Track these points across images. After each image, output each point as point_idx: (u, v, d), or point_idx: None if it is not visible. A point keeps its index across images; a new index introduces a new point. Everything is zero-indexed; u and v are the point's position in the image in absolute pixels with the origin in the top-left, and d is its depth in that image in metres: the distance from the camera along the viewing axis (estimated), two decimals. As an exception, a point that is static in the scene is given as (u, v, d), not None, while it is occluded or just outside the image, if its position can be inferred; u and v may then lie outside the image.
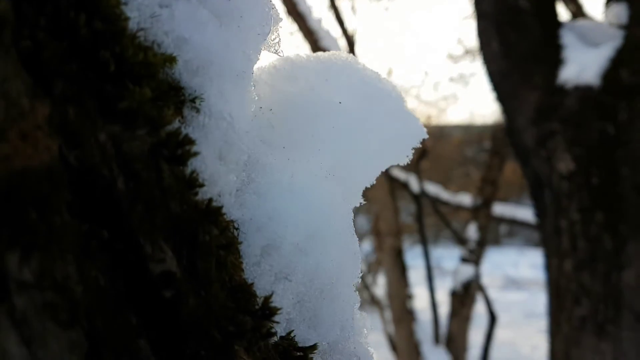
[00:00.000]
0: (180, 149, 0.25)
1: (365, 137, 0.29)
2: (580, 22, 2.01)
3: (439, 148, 13.19)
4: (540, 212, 1.87)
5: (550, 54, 1.82)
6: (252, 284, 0.27)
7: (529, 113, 1.82)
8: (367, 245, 10.10)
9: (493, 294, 12.11)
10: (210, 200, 0.25)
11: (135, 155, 0.23)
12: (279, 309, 0.26)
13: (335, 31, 5.98)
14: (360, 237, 10.12)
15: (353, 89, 0.29)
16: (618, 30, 1.81)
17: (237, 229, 0.27)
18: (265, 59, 0.31)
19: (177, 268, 0.24)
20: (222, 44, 0.27)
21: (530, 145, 1.83)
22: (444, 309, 5.99)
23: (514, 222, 8.06)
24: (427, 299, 6.12)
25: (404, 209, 11.20)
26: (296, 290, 0.27)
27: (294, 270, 0.27)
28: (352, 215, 0.28)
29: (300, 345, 0.27)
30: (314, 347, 0.27)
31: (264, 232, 0.27)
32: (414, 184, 6.83)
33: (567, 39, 1.86)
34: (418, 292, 8.10)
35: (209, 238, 0.25)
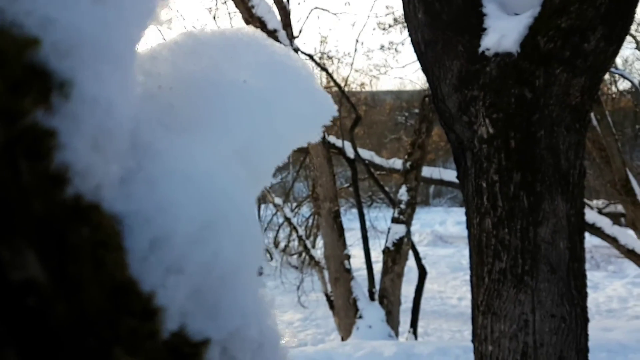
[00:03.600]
0: (41, 142, 0.20)
1: (274, 117, 0.25)
2: (500, -8, 2.01)
3: (372, 115, 13.33)
4: (462, 174, 1.90)
5: (473, 23, 1.81)
6: (136, 282, 0.23)
7: (452, 81, 1.81)
8: (307, 210, 10.16)
9: (423, 250, 12.58)
10: (80, 196, 0.21)
11: None
12: (162, 308, 0.22)
13: None
14: (300, 203, 10.15)
15: (260, 66, 0.25)
16: (536, -1, 1.82)
17: (121, 223, 0.23)
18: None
19: (41, 274, 0.20)
20: (97, 23, 0.22)
21: (454, 112, 1.83)
22: (380, 266, 6.13)
23: (441, 183, 8.31)
24: (364, 259, 6.24)
25: (340, 175, 11.33)
26: (191, 282, 0.23)
27: (188, 261, 0.23)
28: (256, 198, 0.25)
29: (194, 339, 0.23)
30: (206, 342, 0.23)
31: (153, 224, 0.23)
32: (349, 150, 6.88)
33: (489, 8, 1.86)
34: (356, 252, 8.27)
35: (80, 238, 0.21)
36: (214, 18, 9.37)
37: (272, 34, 5.49)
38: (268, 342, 0.27)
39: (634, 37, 9.30)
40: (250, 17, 5.33)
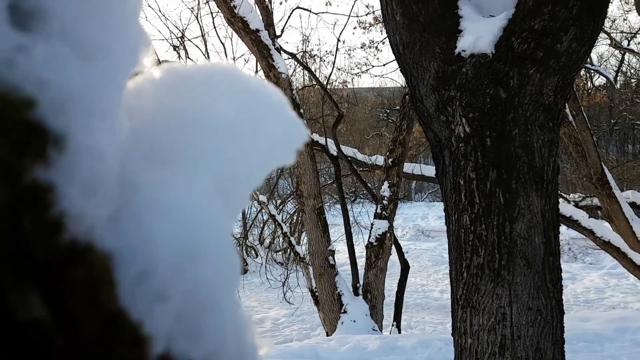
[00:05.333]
0: (41, 196, 0.23)
1: (250, 146, 0.27)
2: (476, -7, 2.03)
3: (354, 112, 13.36)
4: (441, 172, 1.92)
5: (449, 25, 1.83)
6: (126, 311, 0.25)
7: (429, 81, 1.83)
8: (291, 206, 10.16)
9: (405, 244, 12.68)
10: (75, 239, 0.23)
11: None
12: (149, 334, 0.24)
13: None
14: (284, 200, 10.14)
15: (236, 98, 0.27)
16: (511, 0, 1.84)
17: (111, 259, 0.25)
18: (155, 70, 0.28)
19: (44, 312, 0.22)
20: (86, 80, 0.24)
21: (432, 111, 1.85)
22: (364, 261, 6.16)
23: (422, 179, 8.37)
24: (348, 254, 6.26)
25: (324, 171, 11.34)
26: (175, 308, 0.25)
27: (172, 289, 0.25)
28: (232, 224, 0.26)
29: None
30: None
31: (139, 258, 0.25)
32: (332, 147, 6.90)
33: (465, 10, 1.88)
34: (340, 248, 8.30)
35: (76, 277, 0.23)
36: (197, 17, 9.30)
37: (255, 33, 5.47)
38: (247, 356, 0.29)
39: (608, 34, 9.45)
40: (233, 17, 5.30)
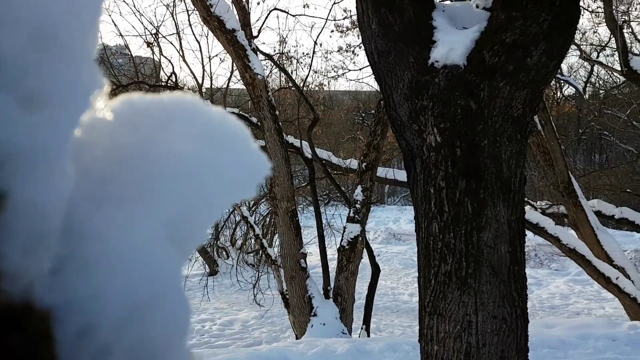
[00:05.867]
0: None
1: (209, 183, 0.25)
2: (451, 4, 2.07)
3: (330, 115, 13.39)
4: (412, 180, 1.94)
5: (423, 35, 1.85)
6: None
7: (403, 90, 1.85)
8: (264, 208, 10.11)
9: (377, 247, 12.74)
10: (10, 301, 0.22)
11: None
12: None
13: None
14: (257, 202, 10.09)
15: (196, 134, 0.25)
16: (484, 13, 1.87)
17: (52, 316, 0.23)
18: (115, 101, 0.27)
19: None
20: (31, 133, 0.22)
21: (405, 120, 1.87)
22: (336, 264, 6.17)
23: (395, 183, 8.44)
24: (320, 257, 6.27)
25: (298, 173, 11.32)
26: None
27: (116, 345, 0.23)
28: (183, 267, 0.25)
29: None
30: None
31: (81, 313, 0.23)
32: (307, 150, 6.89)
33: (439, 21, 1.90)
34: (312, 250, 8.30)
35: (13, 340, 0.22)
36: (172, 14, 9.19)
37: (231, 33, 5.43)
38: None
39: (578, 46, 9.69)
40: (208, 16, 5.25)
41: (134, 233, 0.24)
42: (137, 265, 0.24)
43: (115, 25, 10.17)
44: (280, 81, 10.86)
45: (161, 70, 10.26)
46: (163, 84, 9.04)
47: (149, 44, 9.04)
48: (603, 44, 12.03)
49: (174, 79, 9.10)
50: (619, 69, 6.05)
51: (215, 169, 0.26)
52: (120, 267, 0.23)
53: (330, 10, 11.64)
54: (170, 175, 0.25)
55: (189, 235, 0.26)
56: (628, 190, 11.54)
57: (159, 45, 9.35)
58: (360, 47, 9.73)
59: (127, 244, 0.24)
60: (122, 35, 9.64)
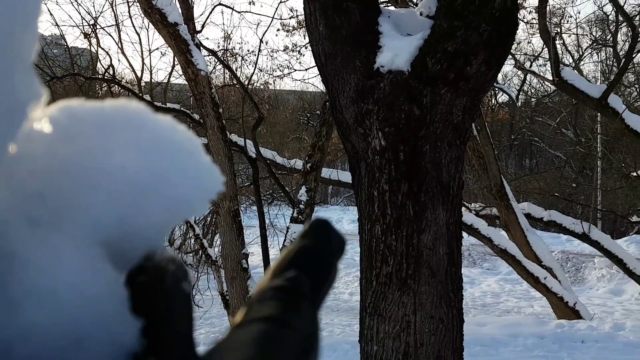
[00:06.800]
0: None
1: (155, 199, 0.23)
2: (397, 10, 2.10)
3: (274, 115, 13.33)
4: (356, 182, 1.96)
5: (369, 40, 1.87)
6: None
7: (349, 93, 1.86)
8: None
9: (320, 247, 12.76)
10: None
11: None
12: None
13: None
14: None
15: (141, 146, 0.23)
16: (428, 21, 1.91)
17: None
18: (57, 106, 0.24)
19: None
20: None
21: (351, 123, 1.89)
22: (276, 264, 6.13)
23: (339, 184, 8.52)
24: (262, 257, 6.23)
25: (242, 172, 11.20)
26: None
27: None
28: (122, 286, 0.23)
29: None
30: None
31: (15, 352, 0.21)
32: (251, 149, 6.83)
33: (385, 27, 1.93)
34: (254, 250, 8.23)
35: None
36: (112, 5, 8.86)
37: (173, 27, 5.30)
38: None
39: (513, 55, 10.14)
40: (150, 8, 5.10)
41: (70, 257, 0.22)
42: (73, 297, 0.21)
43: (50, 14, 9.67)
44: (224, 78, 10.71)
45: (98, 62, 9.85)
46: (100, 76, 8.69)
47: (86, 35, 8.67)
48: (536, 54, 12.64)
49: (111, 72, 8.77)
50: (551, 78, 6.38)
51: (162, 183, 0.24)
52: (59, 298, 0.21)
53: (277, 8, 11.62)
54: (110, 192, 0.23)
55: (129, 254, 0.24)
56: (556, 194, 12.20)
57: (96, 37, 8.99)
58: (306, 48, 9.75)
59: (63, 271, 0.22)
60: (57, 25, 9.16)
